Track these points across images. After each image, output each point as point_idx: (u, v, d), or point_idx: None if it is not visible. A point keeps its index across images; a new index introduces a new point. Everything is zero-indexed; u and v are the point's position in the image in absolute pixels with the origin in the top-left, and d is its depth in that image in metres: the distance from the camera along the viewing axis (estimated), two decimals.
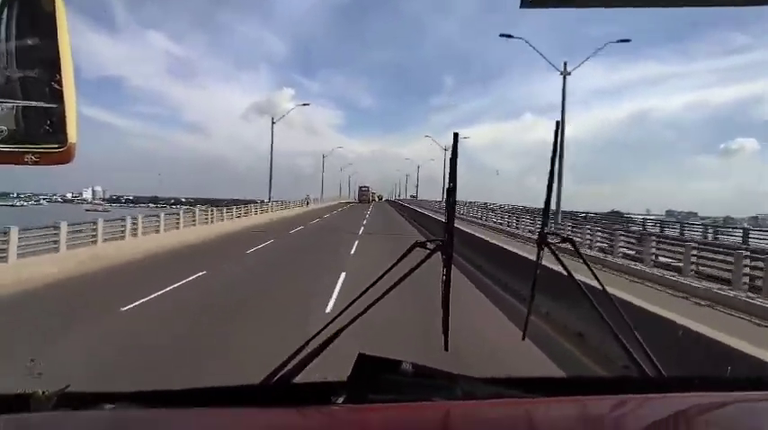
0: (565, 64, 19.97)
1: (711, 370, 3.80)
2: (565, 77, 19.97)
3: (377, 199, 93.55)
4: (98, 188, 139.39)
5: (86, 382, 0.82)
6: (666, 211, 65.09)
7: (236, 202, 34.27)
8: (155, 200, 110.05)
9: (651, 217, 39.37)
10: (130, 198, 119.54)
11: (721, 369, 3.54)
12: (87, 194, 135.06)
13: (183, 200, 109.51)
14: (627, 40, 20.22)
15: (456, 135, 0.98)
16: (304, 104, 49.10)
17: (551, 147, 1.03)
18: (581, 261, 1.06)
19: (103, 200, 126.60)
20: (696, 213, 58.32)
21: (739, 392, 0.77)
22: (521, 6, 0.54)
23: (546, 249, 1.06)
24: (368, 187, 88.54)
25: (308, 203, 40.11)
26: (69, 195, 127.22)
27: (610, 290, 1.03)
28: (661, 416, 0.71)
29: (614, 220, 28.14)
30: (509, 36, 20.63)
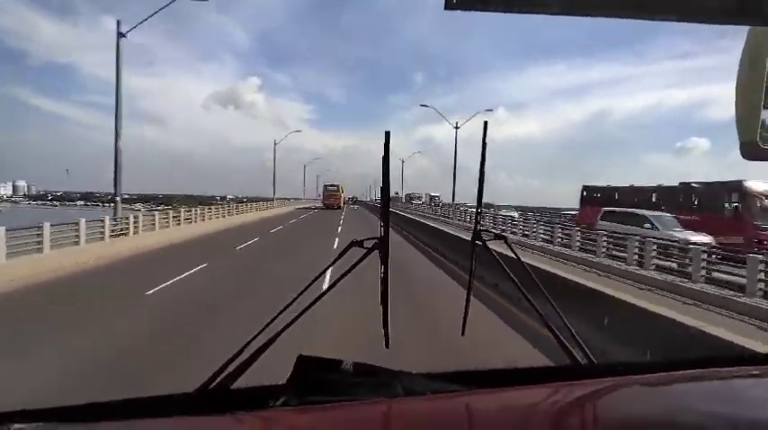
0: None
1: None
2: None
3: (349, 202, 71.98)
4: (21, 183, 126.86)
5: None
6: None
7: (190, 198, 32.16)
8: (87, 197, 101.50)
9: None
10: (59, 194, 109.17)
11: None
12: (5, 190, 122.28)
13: (126, 196, 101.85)
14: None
15: (387, 134, 0.95)
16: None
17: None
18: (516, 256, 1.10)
19: (27, 196, 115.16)
20: None
21: (658, 373, 0.84)
22: (445, 8, 0.55)
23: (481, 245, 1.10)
24: (337, 186, 57.15)
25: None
26: None
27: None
28: (593, 399, 0.76)
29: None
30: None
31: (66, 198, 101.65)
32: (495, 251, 1.07)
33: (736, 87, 0.78)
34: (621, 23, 0.67)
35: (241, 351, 0.80)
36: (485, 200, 1.21)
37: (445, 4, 0.58)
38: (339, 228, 23.74)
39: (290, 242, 17.72)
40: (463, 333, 1.16)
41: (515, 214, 31.05)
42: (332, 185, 56.95)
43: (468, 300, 1.17)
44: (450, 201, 37.86)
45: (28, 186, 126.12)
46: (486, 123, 1.05)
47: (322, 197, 57.12)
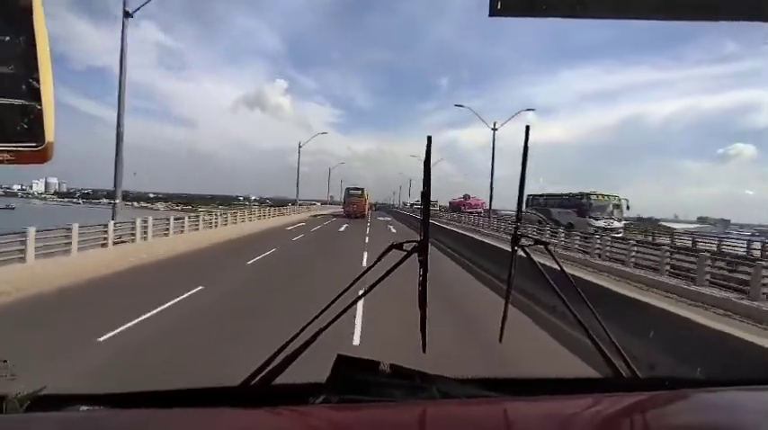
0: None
1: None
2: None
3: (372, 209, 61.45)
4: (53, 180, 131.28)
5: None
6: (698, 218, 58.10)
7: (214, 198, 32.48)
8: (111, 195, 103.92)
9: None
10: (88, 192, 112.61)
11: None
12: (38, 187, 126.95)
13: (152, 196, 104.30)
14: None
15: (429, 138, 0.93)
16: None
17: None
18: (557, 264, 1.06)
19: (57, 193, 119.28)
20: (729, 220, 50.25)
21: (708, 388, 0.83)
22: (489, 15, 0.58)
23: (520, 250, 1.07)
24: (362, 190, 47.08)
25: None
26: (16, 188, 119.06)
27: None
28: (633, 413, 0.74)
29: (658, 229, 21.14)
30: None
31: (93, 196, 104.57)
32: (537, 259, 1.05)
33: None
34: (656, 25, 0.67)
35: (281, 349, 0.84)
36: None
37: (490, 10, 0.61)
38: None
39: None
40: (501, 339, 1.13)
41: None
42: (355, 189, 47.07)
43: (506, 307, 1.15)
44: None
45: (59, 183, 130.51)
46: (527, 128, 1.02)
47: (343, 202, 48.15)
